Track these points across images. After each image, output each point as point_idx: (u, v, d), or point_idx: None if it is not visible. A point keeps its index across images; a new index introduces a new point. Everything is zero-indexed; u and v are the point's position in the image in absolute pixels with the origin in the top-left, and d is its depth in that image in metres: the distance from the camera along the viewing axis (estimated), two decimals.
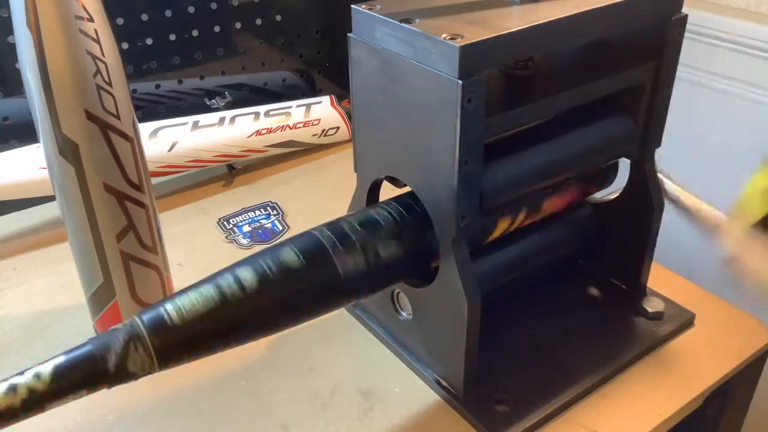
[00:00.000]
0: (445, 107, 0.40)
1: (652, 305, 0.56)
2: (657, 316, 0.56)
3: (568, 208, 0.57)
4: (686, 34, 0.49)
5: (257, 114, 0.79)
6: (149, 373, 0.38)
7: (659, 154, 0.54)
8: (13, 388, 0.34)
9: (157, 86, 0.83)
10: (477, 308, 0.45)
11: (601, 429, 0.48)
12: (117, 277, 0.51)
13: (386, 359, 0.54)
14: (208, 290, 0.39)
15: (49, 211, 0.72)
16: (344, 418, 0.49)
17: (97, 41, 0.44)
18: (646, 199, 0.54)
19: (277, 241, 0.45)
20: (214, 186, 0.78)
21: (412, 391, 0.51)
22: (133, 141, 0.49)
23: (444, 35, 0.39)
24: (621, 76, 0.49)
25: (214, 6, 0.83)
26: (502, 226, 0.52)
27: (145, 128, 0.73)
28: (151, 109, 0.83)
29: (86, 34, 0.44)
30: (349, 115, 0.80)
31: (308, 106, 0.83)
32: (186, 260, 0.64)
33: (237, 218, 0.72)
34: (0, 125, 0.74)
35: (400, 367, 0.53)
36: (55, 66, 0.43)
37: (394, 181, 0.49)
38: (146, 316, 0.38)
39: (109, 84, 0.46)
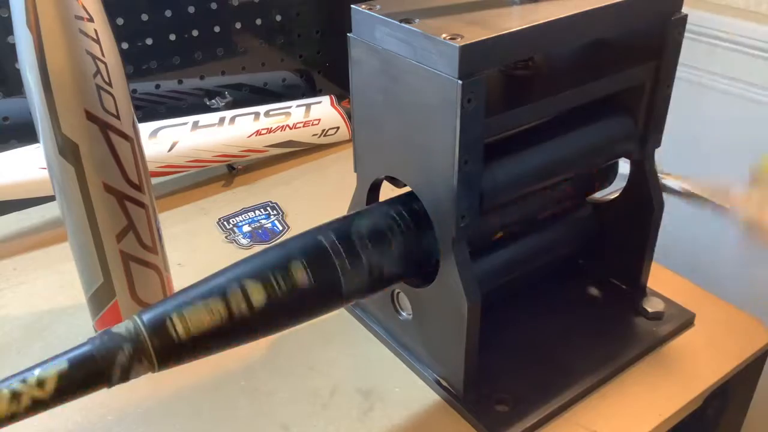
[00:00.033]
0: (445, 107, 0.40)
1: (652, 305, 0.56)
2: (657, 316, 0.56)
3: (568, 208, 0.57)
4: (686, 34, 0.49)
5: (257, 114, 0.79)
6: (149, 372, 0.38)
7: (659, 154, 0.54)
8: (17, 397, 0.35)
9: (157, 86, 0.83)
10: (477, 308, 0.45)
11: (601, 429, 0.48)
12: (117, 277, 0.51)
13: (386, 359, 0.54)
14: (216, 304, 0.39)
15: (49, 211, 0.72)
16: (344, 418, 0.49)
17: (97, 41, 0.44)
18: (646, 199, 0.54)
19: (284, 239, 0.44)
20: (214, 186, 0.78)
21: (412, 391, 0.51)
22: (133, 141, 0.49)
23: (444, 35, 0.39)
24: (621, 76, 0.49)
25: (214, 6, 0.83)
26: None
27: (145, 128, 0.73)
28: (151, 109, 0.83)
29: (86, 34, 0.44)
30: (349, 115, 0.80)
31: (308, 106, 0.83)
32: (186, 260, 0.64)
33: (237, 218, 0.72)
34: (0, 125, 0.74)
35: (400, 367, 0.53)
36: (55, 66, 0.43)
37: (394, 181, 0.49)
38: (151, 327, 0.38)
39: (109, 84, 0.46)
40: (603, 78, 0.48)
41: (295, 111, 0.81)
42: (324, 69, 0.95)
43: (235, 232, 0.70)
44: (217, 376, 0.53)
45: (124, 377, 0.37)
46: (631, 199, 0.55)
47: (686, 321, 0.56)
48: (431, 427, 0.48)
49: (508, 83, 0.48)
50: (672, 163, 0.85)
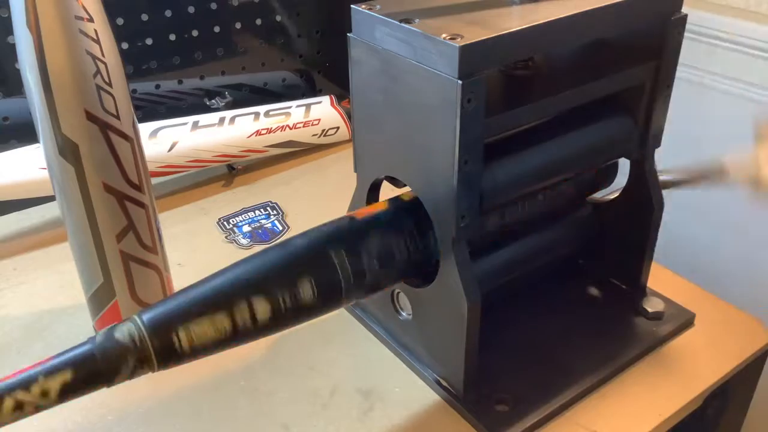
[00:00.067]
0: (445, 107, 0.40)
1: (652, 305, 0.56)
2: (657, 316, 0.56)
3: (568, 208, 0.57)
4: (686, 34, 0.49)
5: (257, 114, 0.79)
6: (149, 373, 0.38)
7: (659, 154, 0.54)
8: (20, 406, 0.35)
9: (157, 86, 0.83)
10: (477, 308, 0.45)
11: (601, 429, 0.48)
12: (117, 277, 0.51)
13: (386, 359, 0.54)
14: (222, 320, 0.40)
15: (49, 211, 0.72)
16: (344, 418, 0.49)
17: (97, 41, 0.44)
18: (646, 198, 0.54)
19: (293, 238, 0.44)
20: (214, 186, 0.78)
21: (412, 391, 0.51)
22: (133, 141, 0.49)
23: (444, 35, 0.39)
24: (621, 76, 0.49)
25: (214, 6, 0.83)
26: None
27: (145, 128, 0.73)
28: (151, 109, 0.83)
29: (86, 35, 0.44)
30: (349, 115, 0.80)
31: (308, 106, 0.83)
32: (186, 260, 0.64)
33: (237, 218, 0.72)
34: (0, 125, 0.74)
35: (400, 367, 0.53)
36: (55, 66, 0.43)
37: (394, 181, 0.49)
38: (156, 337, 0.38)
39: (109, 84, 0.46)
40: (603, 78, 0.48)
41: (295, 111, 0.81)
42: (324, 69, 0.95)
43: (235, 232, 0.70)
44: (217, 376, 0.53)
45: (125, 380, 0.37)
46: (631, 199, 0.55)
47: (686, 321, 0.56)
48: (431, 427, 0.48)
49: (508, 83, 0.48)
50: (672, 163, 0.85)
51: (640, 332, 0.55)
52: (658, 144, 0.53)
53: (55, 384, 0.35)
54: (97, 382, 0.37)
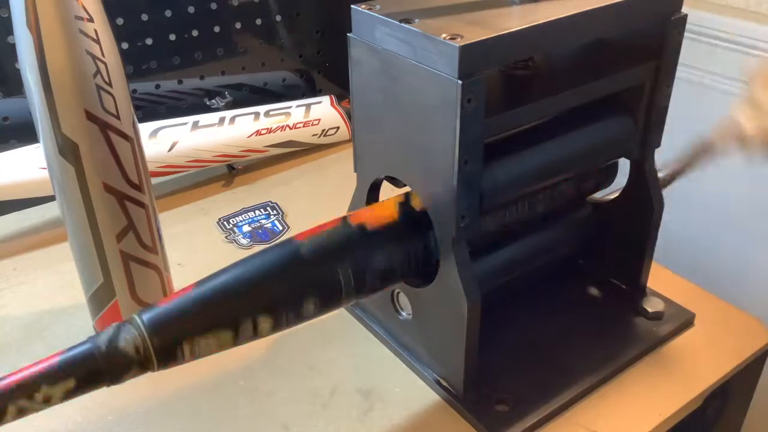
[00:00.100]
0: (445, 107, 0.40)
1: (652, 305, 0.56)
2: (657, 316, 0.56)
3: (568, 208, 0.57)
4: (686, 34, 0.49)
5: (257, 114, 0.79)
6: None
7: (659, 154, 0.54)
8: (23, 411, 0.35)
9: (157, 86, 0.83)
10: (477, 308, 0.45)
11: (601, 429, 0.48)
12: (117, 277, 0.51)
13: (386, 359, 0.54)
14: (226, 336, 0.40)
15: (49, 211, 0.72)
16: (344, 418, 0.49)
17: (97, 41, 0.44)
18: (646, 198, 0.54)
19: (301, 258, 0.43)
20: (214, 186, 0.78)
21: (412, 391, 0.51)
22: (133, 141, 0.49)
23: (444, 35, 0.39)
24: (621, 76, 0.49)
25: (214, 6, 0.83)
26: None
27: (145, 128, 0.73)
28: (151, 109, 0.83)
29: (86, 35, 0.44)
30: (349, 115, 0.80)
31: (308, 106, 0.83)
32: (186, 260, 0.64)
33: (237, 218, 0.72)
34: (0, 125, 0.74)
35: (400, 367, 0.53)
36: (55, 66, 0.43)
37: (394, 181, 0.49)
38: (160, 352, 0.38)
39: (109, 84, 0.46)
40: (603, 78, 0.48)
41: (295, 111, 0.81)
42: (324, 69, 0.95)
43: (235, 232, 0.70)
44: (216, 376, 0.53)
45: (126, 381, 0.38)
46: (631, 199, 0.55)
47: (686, 321, 0.56)
48: (431, 427, 0.48)
49: (508, 83, 0.48)
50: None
51: (640, 332, 0.55)
52: (658, 144, 0.53)
53: (58, 391, 0.36)
54: (99, 385, 0.37)
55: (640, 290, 0.58)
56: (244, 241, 0.68)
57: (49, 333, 0.57)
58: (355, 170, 0.52)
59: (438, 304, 0.48)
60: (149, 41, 0.80)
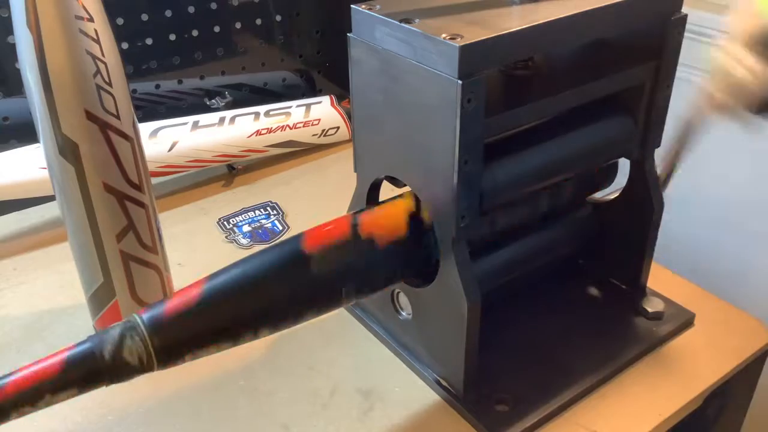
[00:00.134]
0: (445, 107, 0.40)
1: (652, 305, 0.56)
2: (657, 316, 0.56)
3: (568, 208, 0.57)
4: (686, 34, 0.49)
5: (257, 114, 0.79)
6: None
7: (659, 154, 0.54)
8: (23, 414, 0.35)
9: (157, 86, 0.83)
10: (477, 308, 0.45)
11: (601, 429, 0.48)
12: (117, 277, 0.51)
13: (386, 359, 0.54)
14: (227, 345, 0.41)
15: (49, 211, 0.72)
16: (344, 418, 0.49)
17: (97, 41, 0.44)
18: (646, 198, 0.54)
19: (310, 275, 0.43)
20: (214, 186, 0.78)
21: (412, 391, 0.51)
22: (133, 141, 0.49)
23: (444, 35, 0.39)
24: (621, 76, 0.49)
25: (214, 6, 0.83)
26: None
27: (145, 128, 0.73)
28: (151, 109, 0.83)
29: (86, 34, 0.44)
30: (349, 115, 0.80)
31: (308, 106, 0.83)
32: (186, 260, 0.64)
33: (237, 218, 0.72)
34: (0, 125, 0.74)
35: (400, 367, 0.53)
36: (55, 66, 0.43)
37: (394, 181, 0.49)
38: (163, 354, 0.38)
39: (109, 84, 0.46)
40: (603, 78, 0.48)
41: (295, 111, 0.81)
42: (324, 69, 0.95)
43: (235, 232, 0.70)
44: (216, 376, 0.53)
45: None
46: (631, 199, 0.55)
47: (686, 321, 0.56)
48: (431, 427, 0.48)
49: (508, 83, 0.48)
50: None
51: (640, 332, 0.55)
52: (658, 144, 0.53)
53: (60, 398, 0.36)
54: (99, 387, 0.37)
55: (640, 290, 0.58)
56: (244, 241, 0.68)
57: (49, 333, 0.57)
58: (355, 170, 0.52)
59: (438, 304, 0.48)
60: (149, 41, 0.80)
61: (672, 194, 0.59)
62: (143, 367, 0.38)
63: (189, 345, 0.39)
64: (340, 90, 0.93)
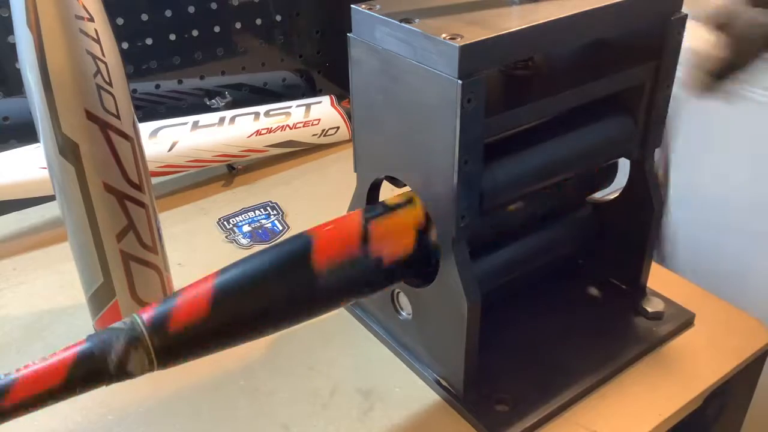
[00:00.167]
0: (445, 107, 0.40)
1: (652, 305, 0.56)
2: (657, 316, 0.56)
3: (568, 208, 0.57)
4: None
5: (257, 114, 0.79)
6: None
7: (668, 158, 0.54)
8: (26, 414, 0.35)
9: (157, 86, 0.83)
10: (477, 308, 0.45)
11: (601, 429, 0.48)
12: (117, 277, 0.51)
13: (386, 359, 0.54)
14: (229, 348, 0.42)
15: (49, 211, 0.72)
16: (344, 418, 0.49)
17: (97, 41, 0.44)
18: (646, 199, 0.54)
19: (318, 289, 0.44)
20: (214, 186, 0.78)
21: (412, 391, 0.51)
22: (133, 141, 0.49)
23: (444, 35, 0.39)
24: (621, 76, 0.49)
25: (214, 6, 0.83)
26: None
27: (145, 128, 0.73)
28: (151, 109, 0.83)
29: (86, 34, 0.44)
30: (349, 115, 0.80)
31: (308, 106, 0.83)
32: (186, 260, 0.64)
33: (237, 218, 0.72)
34: (0, 125, 0.74)
35: (400, 367, 0.53)
36: (55, 66, 0.43)
37: (394, 181, 0.49)
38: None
39: (109, 84, 0.46)
40: (603, 78, 0.48)
41: (295, 111, 0.81)
42: (324, 69, 0.95)
43: (235, 232, 0.70)
44: (216, 376, 0.53)
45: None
46: (631, 199, 0.55)
47: (686, 321, 0.56)
48: (431, 427, 0.48)
49: (508, 83, 0.48)
50: (673, 163, 0.85)
51: (639, 332, 0.55)
52: (658, 144, 0.53)
53: (61, 403, 0.36)
54: (98, 381, 0.37)
55: (640, 290, 0.58)
56: (244, 241, 0.68)
57: (49, 333, 0.57)
58: (355, 170, 0.52)
59: (438, 304, 0.48)
60: (149, 41, 0.80)
61: (672, 194, 0.59)
62: (143, 371, 0.38)
63: (192, 354, 0.40)
64: (340, 90, 0.93)
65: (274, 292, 0.42)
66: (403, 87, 0.43)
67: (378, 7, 0.44)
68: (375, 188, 0.51)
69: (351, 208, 0.54)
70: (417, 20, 0.41)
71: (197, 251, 0.67)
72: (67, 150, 0.46)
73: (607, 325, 0.56)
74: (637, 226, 0.55)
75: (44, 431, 0.48)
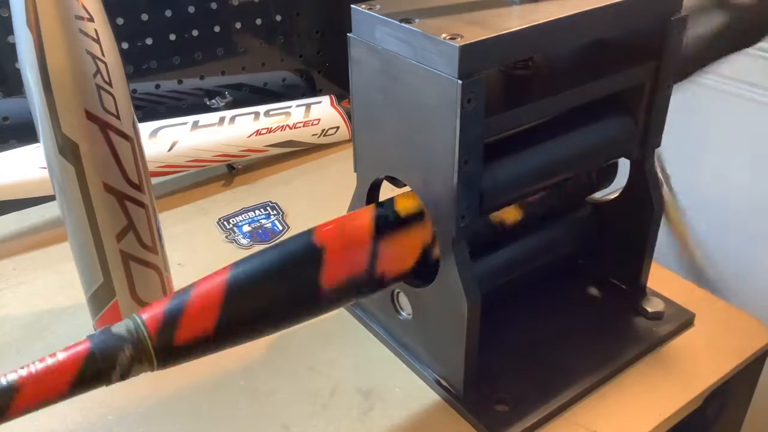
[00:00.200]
0: (445, 107, 0.40)
1: (652, 305, 0.56)
2: (657, 316, 0.56)
3: (568, 208, 0.57)
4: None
5: (257, 114, 0.79)
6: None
7: (660, 154, 0.54)
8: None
9: (157, 86, 0.83)
10: (477, 308, 0.45)
11: (601, 429, 0.48)
12: (117, 277, 0.51)
13: (386, 359, 0.54)
14: (228, 348, 0.42)
15: (49, 211, 0.72)
16: (344, 418, 0.49)
17: (97, 41, 0.44)
18: (646, 199, 0.54)
19: (323, 300, 0.44)
20: (214, 186, 0.78)
21: (412, 391, 0.51)
22: (133, 141, 0.49)
23: (444, 35, 0.39)
24: (621, 76, 0.49)
25: (214, 6, 0.83)
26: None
27: (145, 128, 0.73)
28: (151, 109, 0.83)
29: (86, 34, 0.44)
30: (349, 115, 0.80)
31: (308, 106, 0.83)
32: (186, 260, 0.64)
33: (237, 218, 0.72)
34: (0, 125, 0.74)
35: (400, 367, 0.53)
36: (55, 66, 0.43)
37: (394, 181, 0.49)
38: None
39: (109, 84, 0.46)
40: (603, 78, 0.48)
41: (295, 111, 0.81)
42: (324, 69, 0.95)
43: (235, 232, 0.70)
44: (217, 376, 0.53)
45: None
46: (631, 199, 0.55)
47: (686, 321, 0.56)
48: (431, 427, 0.48)
49: (508, 83, 0.48)
50: (673, 163, 0.85)
51: (639, 332, 0.55)
52: (658, 144, 0.53)
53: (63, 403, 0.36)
54: (98, 382, 0.37)
55: (640, 290, 0.58)
56: (244, 241, 0.68)
57: (49, 333, 0.57)
58: (355, 170, 0.52)
59: (438, 304, 0.48)
60: (149, 41, 0.80)
61: (672, 194, 0.59)
62: (143, 372, 0.38)
63: (194, 358, 0.40)
64: (340, 90, 0.94)
65: (280, 308, 0.42)
66: (403, 87, 0.43)
67: (378, 7, 0.44)
68: (375, 188, 0.51)
69: (351, 208, 0.54)
70: (417, 20, 0.41)
71: (197, 251, 0.67)
72: (67, 150, 0.46)
73: (607, 325, 0.56)
74: (637, 226, 0.55)
75: (44, 431, 0.48)
